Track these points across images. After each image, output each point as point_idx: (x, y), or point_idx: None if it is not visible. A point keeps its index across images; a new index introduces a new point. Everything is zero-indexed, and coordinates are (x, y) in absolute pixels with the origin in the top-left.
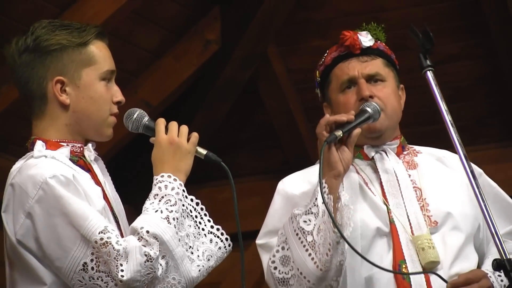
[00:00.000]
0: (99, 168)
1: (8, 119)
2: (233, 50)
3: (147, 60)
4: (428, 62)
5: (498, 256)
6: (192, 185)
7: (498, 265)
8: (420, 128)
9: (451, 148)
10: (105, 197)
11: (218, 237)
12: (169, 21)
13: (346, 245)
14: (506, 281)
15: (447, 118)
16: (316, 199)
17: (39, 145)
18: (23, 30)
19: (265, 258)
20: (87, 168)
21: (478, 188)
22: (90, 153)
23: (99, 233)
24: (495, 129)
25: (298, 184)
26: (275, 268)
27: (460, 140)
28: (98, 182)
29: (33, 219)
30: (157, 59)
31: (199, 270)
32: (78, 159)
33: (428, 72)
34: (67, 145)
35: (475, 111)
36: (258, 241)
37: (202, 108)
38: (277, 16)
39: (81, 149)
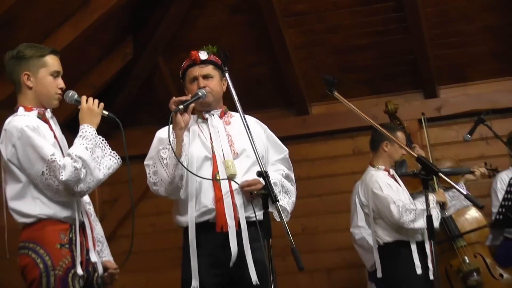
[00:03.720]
0: (53, 122)
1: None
2: (139, 59)
3: (94, 63)
4: (226, 69)
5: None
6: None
7: (258, 173)
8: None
9: (249, 112)
10: (56, 138)
11: (114, 156)
12: (106, 42)
13: (185, 164)
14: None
15: (235, 98)
16: (170, 141)
17: (21, 109)
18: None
19: (147, 171)
20: (47, 121)
21: (250, 132)
22: (48, 114)
23: (49, 155)
24: (277, 101)
25: (165, 133)
26: (150, 176)
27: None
28: (52, 129)
29: (16, 148)
30: (99, 63)
31: (104, 174)
32: (42, 116)
33: (226, 74)
34: (36, 109)
35: (265, 92)
36: (145, 162)
37: (122, 91)
38: (163, 40)
39: (44, 111)
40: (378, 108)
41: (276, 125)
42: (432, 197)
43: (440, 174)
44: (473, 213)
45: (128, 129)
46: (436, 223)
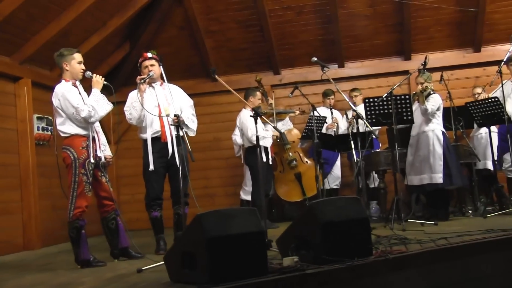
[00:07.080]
0: (80, 87)
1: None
2: (132, 52)
3: (109, 53)
4: (160, 63)
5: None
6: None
7: (175, 115)
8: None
9: (184, 80)
10: (80, 95)
11: (109, 104)
12: (115, 42)
13: (145, 108)
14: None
15: (164, 75)
16: (138, 98)
17: (63, 81)
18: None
19: (126, 114)
20: (76, 87)
21: (172, 94)
22: (77, 83)
23: (76, 104)
24: (200, 74)
25: (134, 93)
26: (128, 115)
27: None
28: (79, 91)
29: (60, 101)
30: (112, 53)
31: (104, 113)
32: (73, 84)
33: (161, 65)
34: (70, 81)
35: (194, 70)
36: (124, 108)
37: (123, 68)
38: (144, 43)
39: (74, 82)
40: (252, 79)
41: (199, 86)
42: (270, 130)
43: (262, 116)
44: (295, 132)
45: (124, 88)
46: (268, 142)
